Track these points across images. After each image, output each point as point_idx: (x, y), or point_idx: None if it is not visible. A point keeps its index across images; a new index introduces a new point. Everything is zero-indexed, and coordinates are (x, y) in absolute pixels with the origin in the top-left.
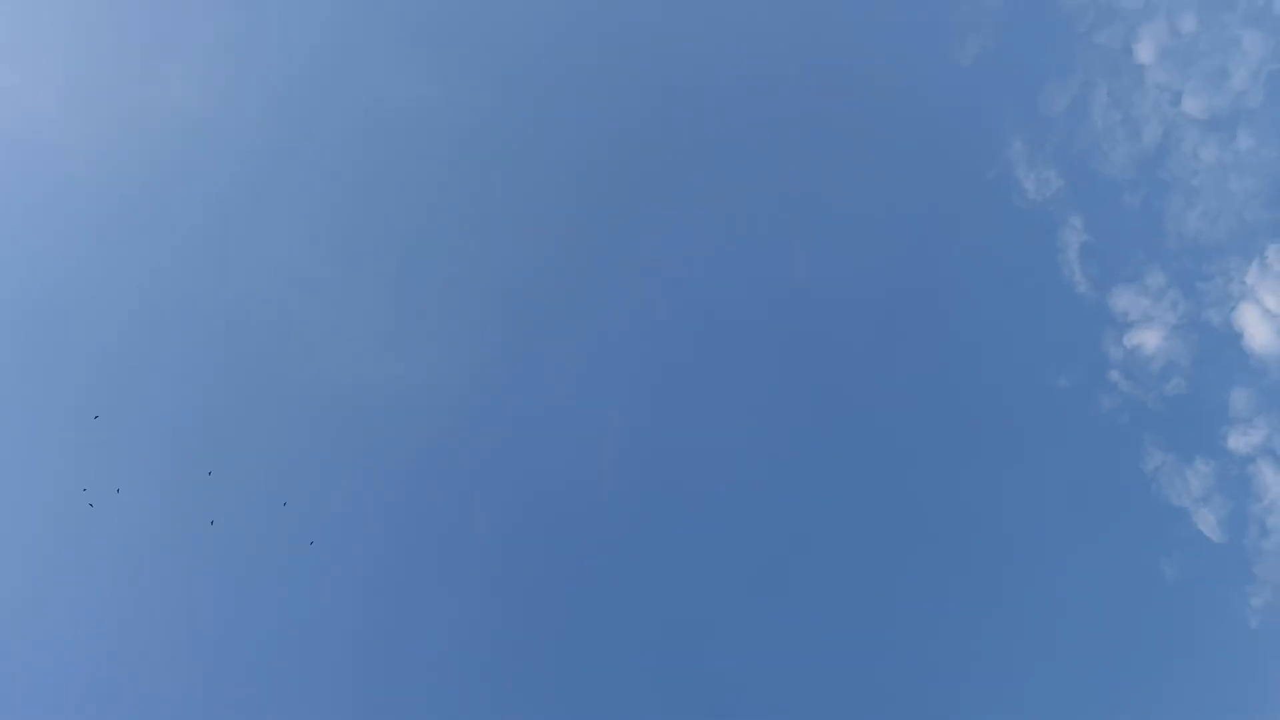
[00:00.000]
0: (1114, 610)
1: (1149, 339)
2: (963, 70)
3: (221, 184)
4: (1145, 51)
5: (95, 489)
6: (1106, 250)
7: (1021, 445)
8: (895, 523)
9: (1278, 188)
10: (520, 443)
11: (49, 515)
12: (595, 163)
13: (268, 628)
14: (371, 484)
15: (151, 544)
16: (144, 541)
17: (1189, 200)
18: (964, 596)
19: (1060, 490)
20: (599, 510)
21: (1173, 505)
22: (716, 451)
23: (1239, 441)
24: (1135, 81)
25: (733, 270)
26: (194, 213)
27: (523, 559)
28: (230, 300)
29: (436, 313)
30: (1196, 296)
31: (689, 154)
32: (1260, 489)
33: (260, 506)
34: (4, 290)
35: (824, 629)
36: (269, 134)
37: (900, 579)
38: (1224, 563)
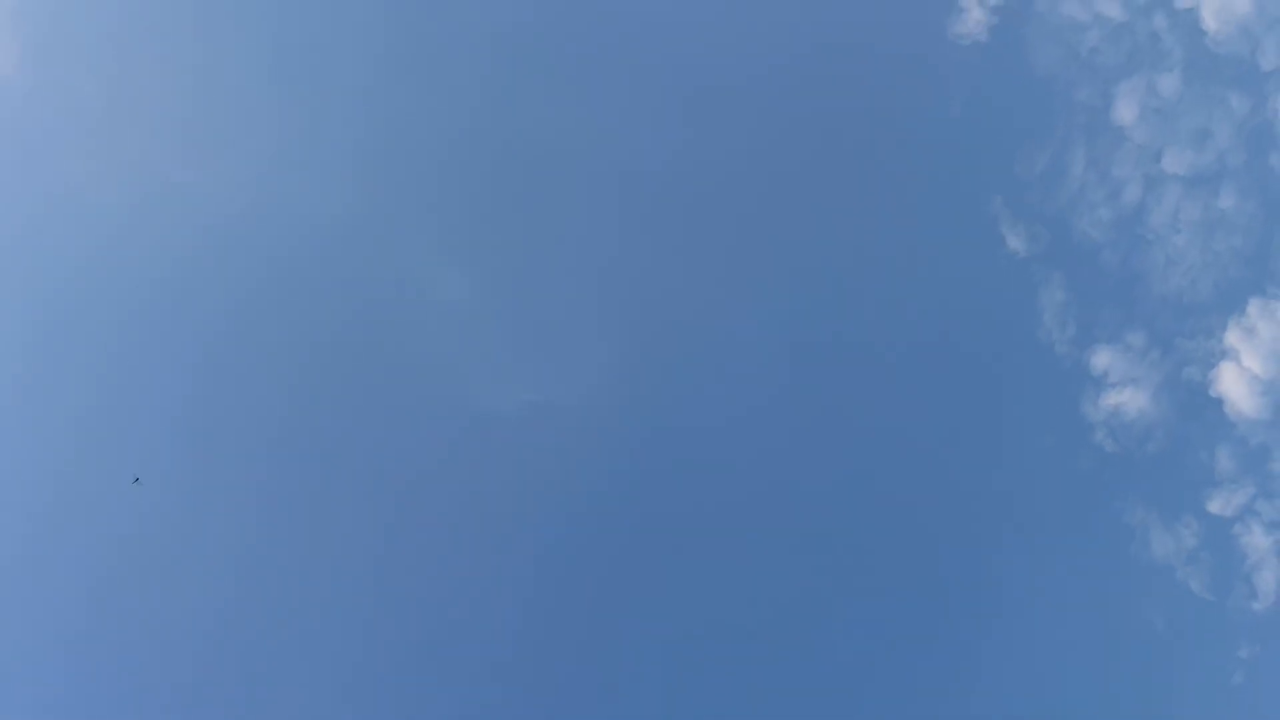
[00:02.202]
0: (1099, 667)
1: (1131, 399)
2: (941, 128)
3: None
4: (1126, 109)
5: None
6: (1087, 310)
7: (1005, 504)
8: (876, 584)
9: (1260, 246)
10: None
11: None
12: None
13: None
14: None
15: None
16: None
17: (1170, 259)
18: (951, 648)
19: (1044, 547)
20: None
21: (1158, 564)
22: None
23: (1224, 501)
24: (1116, 139)
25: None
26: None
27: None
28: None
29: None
30: (1178, 356)
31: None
32: (1246, 548)
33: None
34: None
35: (807, 687)
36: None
37: (885, 637)
38: (1209, 621)
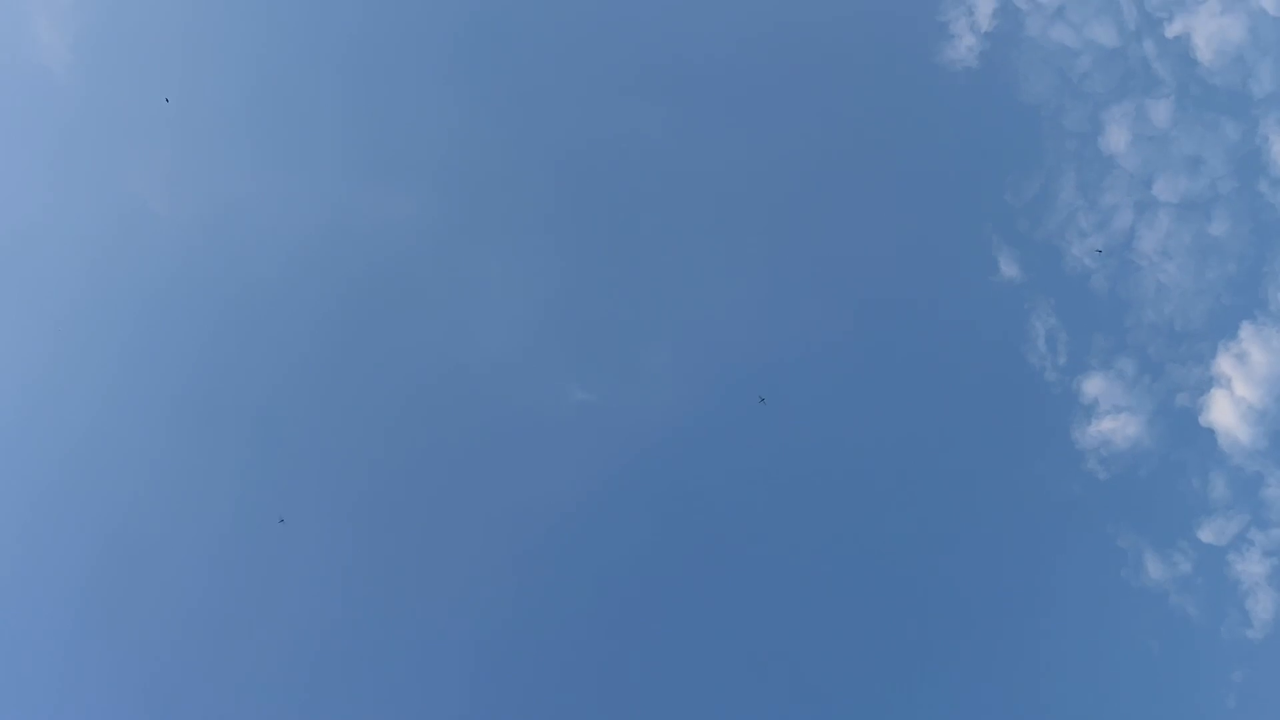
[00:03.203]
0: (1094, 689)
1: (1122, 427)
2: (933, 154)
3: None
4: (1117, 136)
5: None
6: (1078, 337)
7: (998, 530)
8: (870, 607)
9: (1251, 272)
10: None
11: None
12: None
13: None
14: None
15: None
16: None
17: (1161, 286)
18: (946, 671)
19: (1038, 575)
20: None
21: (1152, 590)
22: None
23: (1217, 530)
24: (1107, 167)
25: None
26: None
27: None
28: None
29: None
30: (1170, 384)
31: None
32: (1240, 575)
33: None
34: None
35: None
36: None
37: (879, 662)
38: (1204, 645)
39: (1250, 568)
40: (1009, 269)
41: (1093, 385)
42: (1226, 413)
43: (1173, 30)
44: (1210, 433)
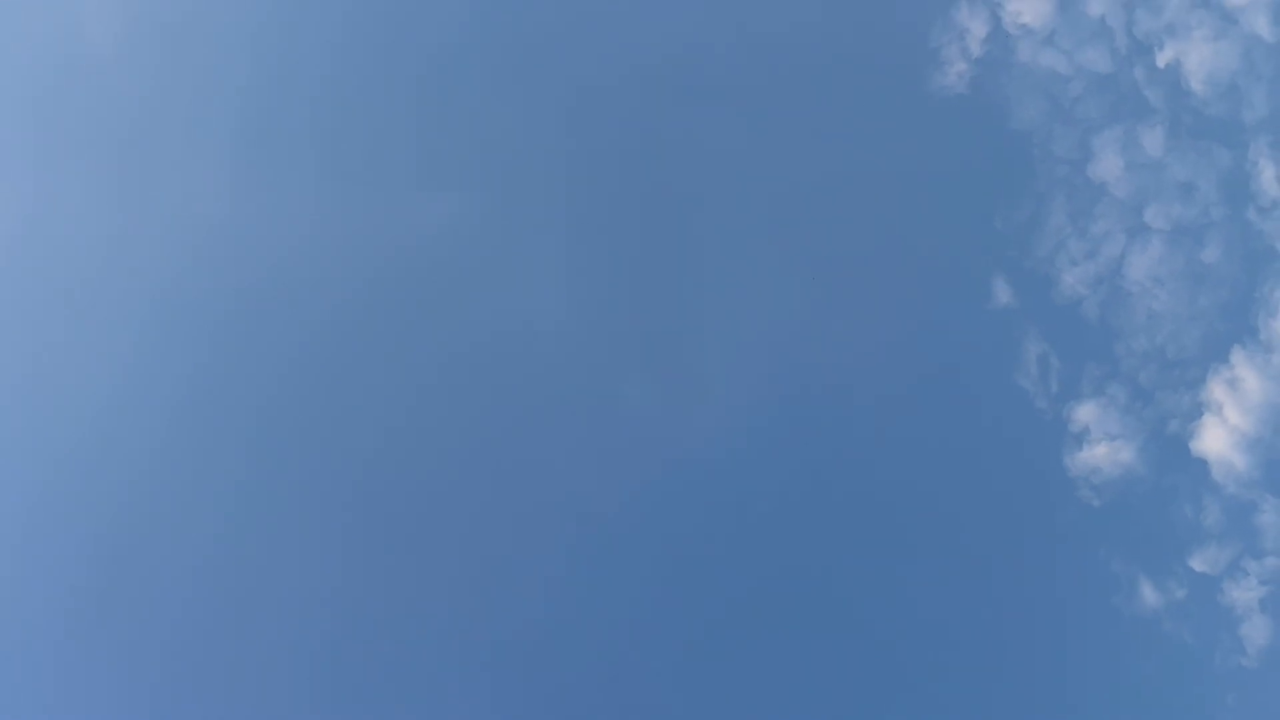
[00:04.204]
0: (1088, 709)
1: (1115, 453)
2: (921, 180)
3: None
4: (1108, 162)
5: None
6: (1069, 364)
7: (991, 559)
8: (859, 630)
9: (1243, 299)
10: None
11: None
12: None
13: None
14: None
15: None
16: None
17: (1153, 313)
18: (937, 699)
19: (1031, 602)
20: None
21: (1144, 617)
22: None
23: (1210, 558)
24: (1098, 193)
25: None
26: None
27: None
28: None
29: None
30: (1162, 411)
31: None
32: (1234, 603)
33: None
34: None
35: None
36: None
37: (872, 697)
38: (1198, 671)
39: (1244, 595)
40: (1001, 296)
41: (1085, 412)
42: (1219, 440)
43: (1164, 57)
44: (1202, 460)
